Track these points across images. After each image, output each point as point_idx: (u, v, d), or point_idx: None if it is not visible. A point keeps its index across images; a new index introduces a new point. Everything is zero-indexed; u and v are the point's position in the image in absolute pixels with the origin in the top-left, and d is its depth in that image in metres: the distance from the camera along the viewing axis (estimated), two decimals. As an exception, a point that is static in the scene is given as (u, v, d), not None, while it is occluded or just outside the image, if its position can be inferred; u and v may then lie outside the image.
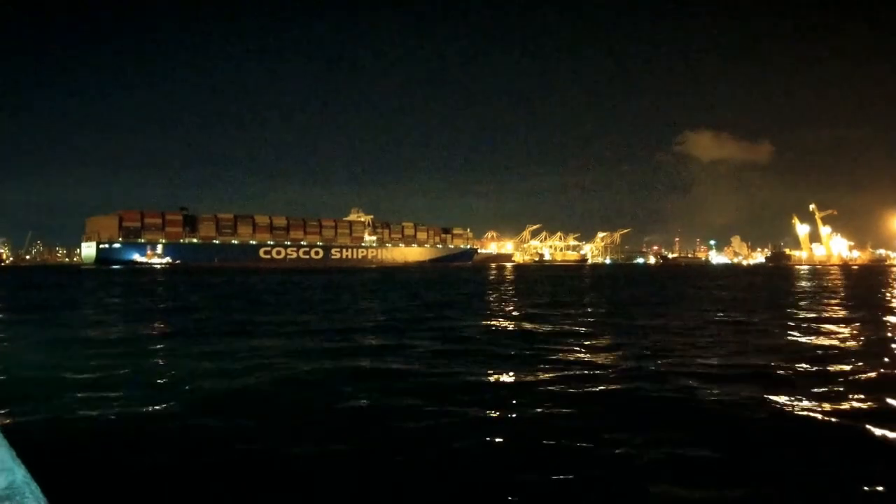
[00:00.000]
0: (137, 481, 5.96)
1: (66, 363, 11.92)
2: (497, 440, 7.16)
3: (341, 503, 5.62)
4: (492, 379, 10.72)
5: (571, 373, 11.14)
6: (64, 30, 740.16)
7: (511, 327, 19.18)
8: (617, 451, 6.67)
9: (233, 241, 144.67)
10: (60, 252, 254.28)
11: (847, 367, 11.70)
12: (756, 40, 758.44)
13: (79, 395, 9.29)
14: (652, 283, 54.72)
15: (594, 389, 9.84)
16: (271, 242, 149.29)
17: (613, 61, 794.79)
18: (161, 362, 12.61)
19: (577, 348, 14.21)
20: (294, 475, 6.14)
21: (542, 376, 10.83)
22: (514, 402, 8.93)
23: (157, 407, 8.67)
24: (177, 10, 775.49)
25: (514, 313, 24.05)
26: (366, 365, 12.10)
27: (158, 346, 14.97)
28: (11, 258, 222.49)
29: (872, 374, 11.03)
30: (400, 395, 9.31)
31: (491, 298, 33.48)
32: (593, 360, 12.72)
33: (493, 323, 20.39)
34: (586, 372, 11.29)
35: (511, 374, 11.14)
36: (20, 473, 2.05)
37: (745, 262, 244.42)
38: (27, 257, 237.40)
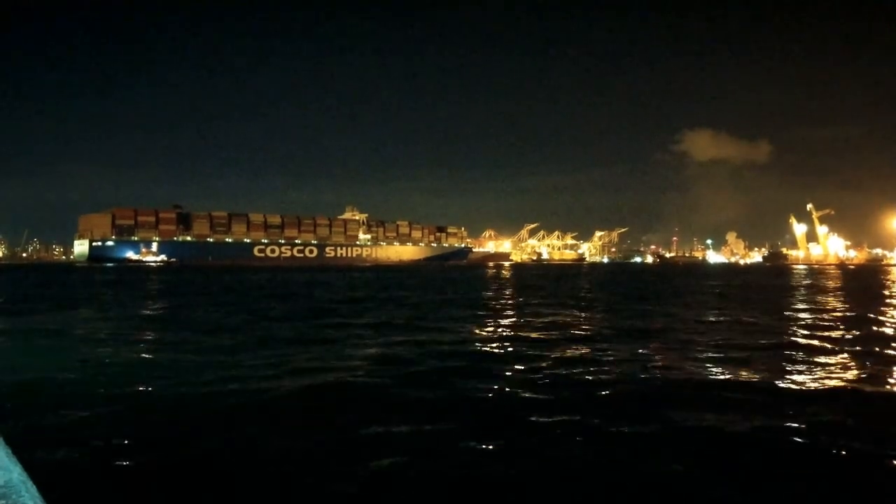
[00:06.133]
0: (137, 482, 5.87)
1: (62, 362, 11.72)
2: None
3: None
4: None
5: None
6: (60, 29, 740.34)
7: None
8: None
9: (227, 240, 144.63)
10: (57, 250, 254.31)
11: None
12: (755, 39, 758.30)
13: (82, 392, 9.13)
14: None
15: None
16: (266, 241, 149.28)
17: (612, 60, 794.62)
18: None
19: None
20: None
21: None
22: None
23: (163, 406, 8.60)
24: (173, 8, 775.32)
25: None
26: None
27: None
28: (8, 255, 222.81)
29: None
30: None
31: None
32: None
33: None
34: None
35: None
36: (16, 472, 2.04)
37: (742, 262, 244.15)
38: (24, 255, 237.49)
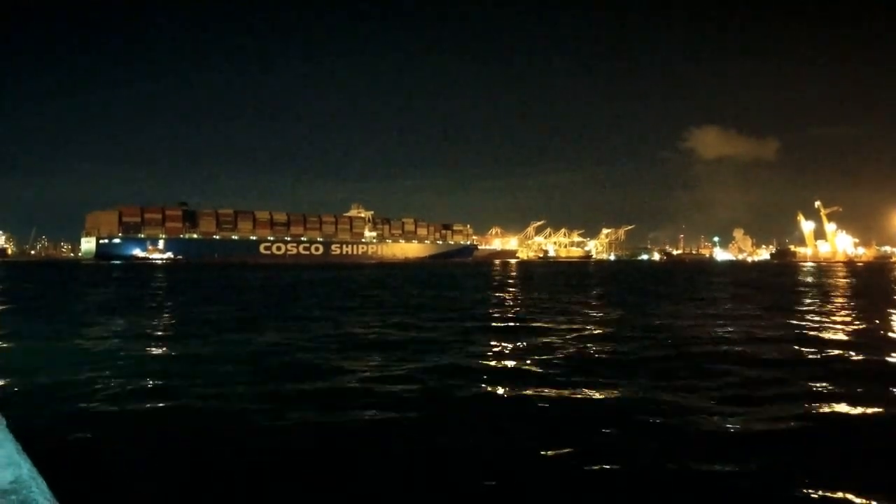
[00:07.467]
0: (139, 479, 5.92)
1: (72, 360, 11.82)
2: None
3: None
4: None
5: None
6: (64, 27, 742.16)
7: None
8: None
9: (233, 237, 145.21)
10: (66, 247, 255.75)
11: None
12: (762, 37, 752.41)
13: (85, 391, 9.16)
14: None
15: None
16: (271, 238, 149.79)
17: (619, 57, 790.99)
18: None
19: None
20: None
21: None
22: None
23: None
24: (176, 6, 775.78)
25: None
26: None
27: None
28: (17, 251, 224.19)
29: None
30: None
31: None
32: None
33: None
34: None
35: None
36: (26, 467, 2.08)
37: (749, 259, 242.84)
38: (32, 252, 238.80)
